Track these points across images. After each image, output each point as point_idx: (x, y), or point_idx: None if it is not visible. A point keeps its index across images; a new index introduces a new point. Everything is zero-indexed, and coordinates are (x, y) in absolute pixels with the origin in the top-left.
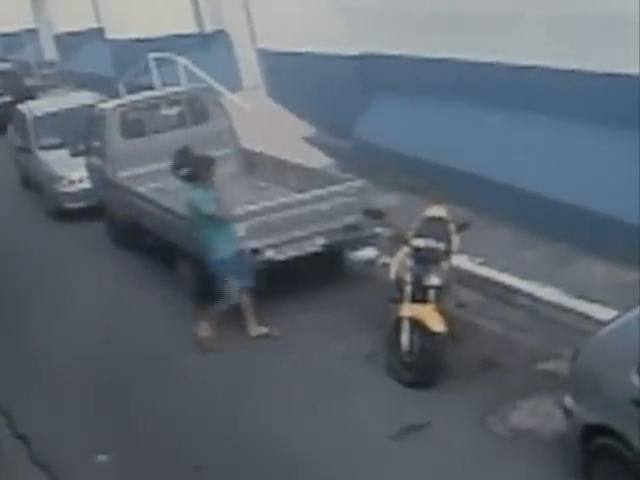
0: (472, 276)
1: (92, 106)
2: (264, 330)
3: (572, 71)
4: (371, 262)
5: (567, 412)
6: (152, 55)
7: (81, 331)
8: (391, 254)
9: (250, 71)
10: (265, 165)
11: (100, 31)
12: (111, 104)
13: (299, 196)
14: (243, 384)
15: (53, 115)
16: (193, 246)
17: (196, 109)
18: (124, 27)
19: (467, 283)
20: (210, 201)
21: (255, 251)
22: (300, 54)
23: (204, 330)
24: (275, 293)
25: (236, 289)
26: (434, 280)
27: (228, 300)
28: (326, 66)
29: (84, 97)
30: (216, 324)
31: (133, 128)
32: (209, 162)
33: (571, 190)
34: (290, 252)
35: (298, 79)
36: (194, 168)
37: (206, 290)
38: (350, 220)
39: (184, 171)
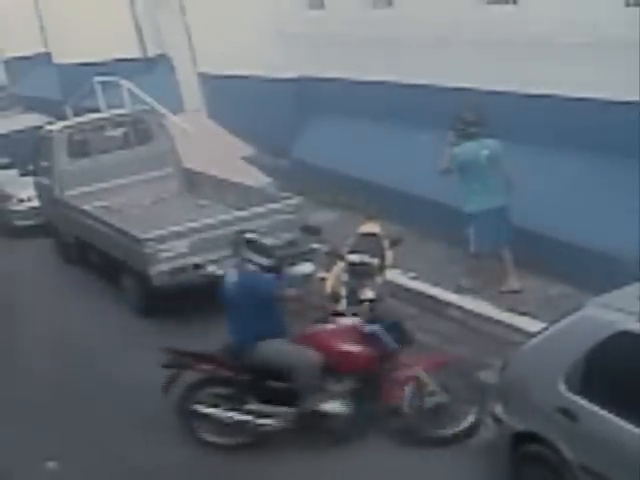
0: (405, 290)
1: (40, 128)
2: (516, 286)
3: (502, 93)
4: (308, 277)
5: (497, 420)
6: (97, 78)
7: (28, 341)
8: (327, 269)
9: (191, 94)
10: (206, 184)
11: (48, 56)
12: (58, 126)
13: (239, 213)
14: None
15: (3, 137)
16: (135, 261)
17: (139, 130)
18: (71, 52)
19: (400, 297)
20: (448, 156)
21: (197, 266)
22: (239, 77)
23: (465, 280)
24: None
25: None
26: (368, 294)
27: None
28: (265, 89)
29: (32, 119)
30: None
31: (79, 149)
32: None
33: None
34: None
35: (238, 101)
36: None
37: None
38: (288, 236)
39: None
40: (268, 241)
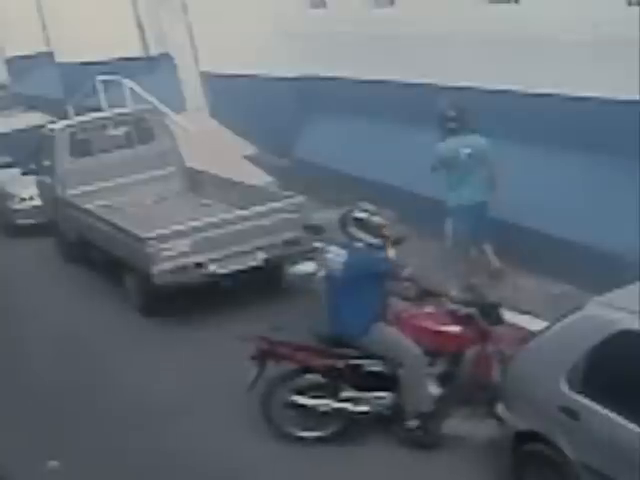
0: None
1: (42, 127)
2: (497, 265)
3: (503, 91)
4: (310, 276)
5: (499, 419)
6: (99, 78)
7: (29, 339)
8: None
9: (193, 93)
10: (208, 183)
11: (50, 55)
12: (60, 125)
13: (241, 212)
14: (184, 393)
15: (5, 135)
16: (137, 260)
17: (142, 129)
18: (73, 51)
19: None
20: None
21: (199, 265)
22: (241, 76)
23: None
24: (218, 304)
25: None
26: None
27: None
28: (266, 88)
29: (34, 118)
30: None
31: (81, 148)
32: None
33: (501, 205)
34: (232, 266)
35: (240, 100)
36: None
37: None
38: (290, 235)
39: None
40: (376, 219)
